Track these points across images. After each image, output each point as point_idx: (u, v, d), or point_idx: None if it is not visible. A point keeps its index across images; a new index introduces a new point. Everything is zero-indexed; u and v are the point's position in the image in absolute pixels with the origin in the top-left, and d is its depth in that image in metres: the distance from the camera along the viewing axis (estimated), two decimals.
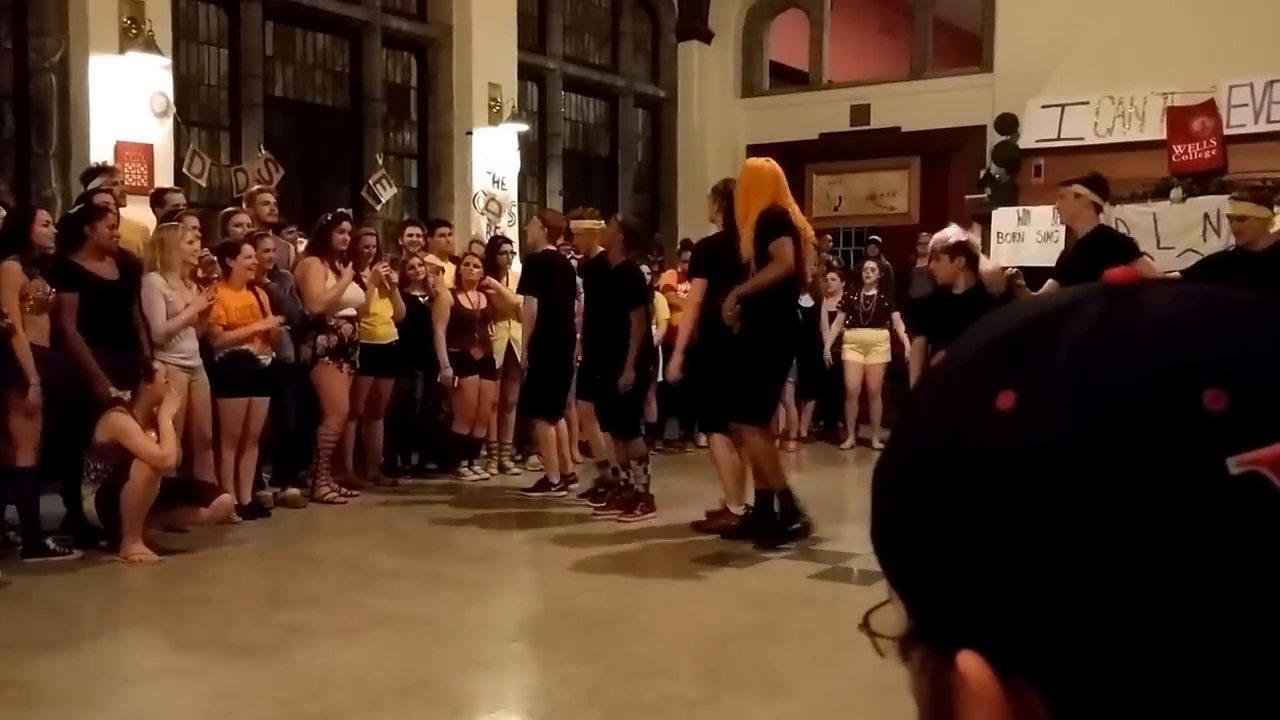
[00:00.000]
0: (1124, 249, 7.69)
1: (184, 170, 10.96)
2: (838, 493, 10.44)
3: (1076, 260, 7.87)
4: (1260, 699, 0.55)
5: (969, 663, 0.60)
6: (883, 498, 0.67)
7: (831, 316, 13.45)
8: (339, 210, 10.36)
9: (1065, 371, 0.59)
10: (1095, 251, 7.64)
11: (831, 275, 13.72)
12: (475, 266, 11.01)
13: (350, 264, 9.85)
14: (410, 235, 11.21)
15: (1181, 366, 0.58)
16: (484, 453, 11.41)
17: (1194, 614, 0.55)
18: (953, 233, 8.37)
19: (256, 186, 10.46)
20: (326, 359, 9.71)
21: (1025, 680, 0.59)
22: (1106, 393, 0.58)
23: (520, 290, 10.48)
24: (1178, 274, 8.92)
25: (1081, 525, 0.57)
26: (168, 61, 10.97)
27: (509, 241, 12.24)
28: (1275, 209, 9.06)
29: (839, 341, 13.35)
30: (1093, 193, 8.05)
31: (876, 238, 15.15)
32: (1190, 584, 0.55)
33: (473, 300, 10.84)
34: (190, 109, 11.95)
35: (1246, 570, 0.55)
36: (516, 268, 11.59)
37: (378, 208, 12.59)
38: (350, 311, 9.84)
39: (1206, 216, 12.09)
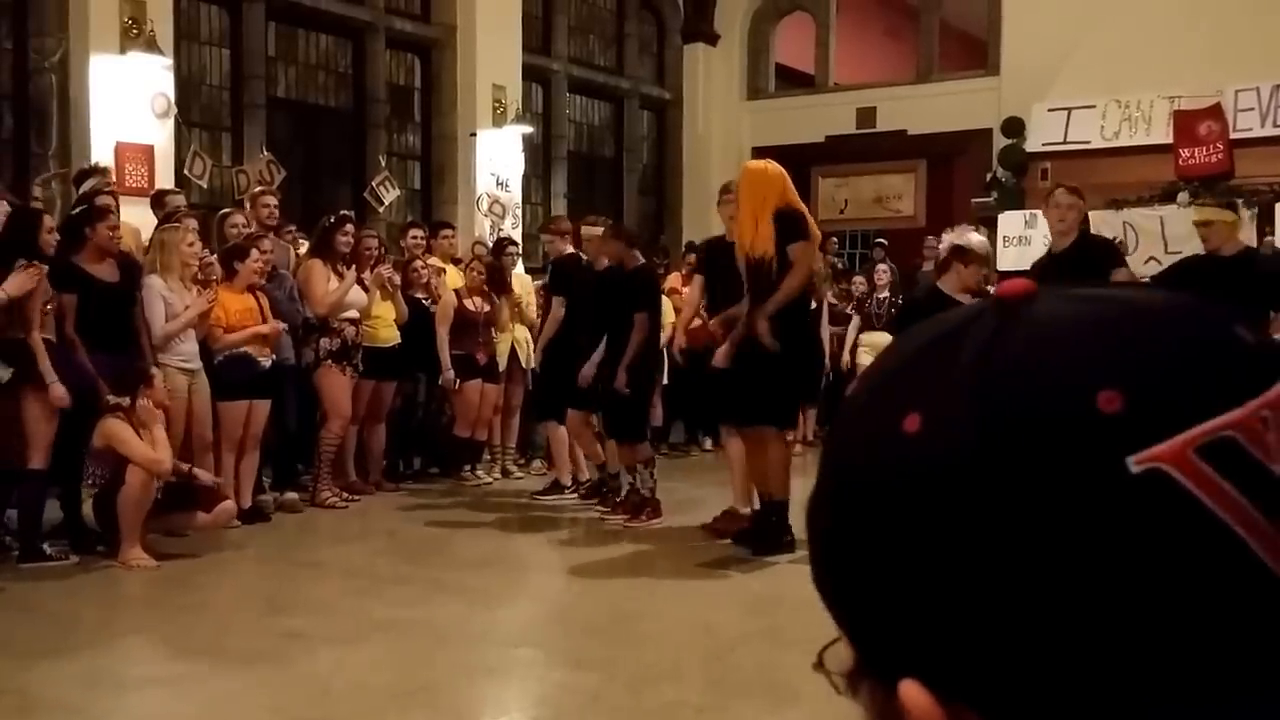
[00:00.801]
0: (1110, 255, 7.67)
1: (185, 171, 10.93)
2: None
3: (1067, 267, 7.69)
4: (1183, 701, 0.55)
5: (910, 692, 0.60)
6: (812, 527, 0.67)
7: (846, 319, 13.37)
8: (342, 212, 10.30)
9: (961, 390, 0.59)
10: (1084, 258, 7.58)
11: (858, 279, 13.67)
12: (479, 274, 10.91)
13: (352, 266, 9.77)
14: (413, 238, 11.14)
15: (1074, 372, 0.58)
16: (487, 457, 11.34)
17: (1109, 619, 0.55)
18: (975, 240, 8.19)
19: (259, 188, 10.41)
20: (329, 362, 9.64)
21: (965, 705, 0.59)
22: (1003, 406, 0.58)
23: (550, 292, 10.45)
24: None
25: (993, 540, 0.57)
26: (169, 62, 10.93)
27: (515, 244, 12.19)
28: (1242, 214, 9.04)
29: (854, 346, 13.28)
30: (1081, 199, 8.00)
31: (882, 240, 15.11)
32: (1102, 588, 0.55)
33: (476, 303, 10.76)
34: (191, 110, 11.90)
35: (1156, 569, 0.55)
36: (520, 269, 11.53)
37: (380, 210, 12.56)
38: (353, 314, 9.77)
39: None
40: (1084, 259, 7.55)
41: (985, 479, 0.57)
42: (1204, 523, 0.55)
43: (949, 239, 8.10)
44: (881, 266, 13.57)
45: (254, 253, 8.98)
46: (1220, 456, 0.56)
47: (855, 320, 13.35)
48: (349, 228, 9.95)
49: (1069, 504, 0.56)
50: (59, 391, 7.48)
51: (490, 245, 12.20)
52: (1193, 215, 8.75)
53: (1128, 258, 11.34)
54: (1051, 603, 0.56)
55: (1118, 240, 9.66)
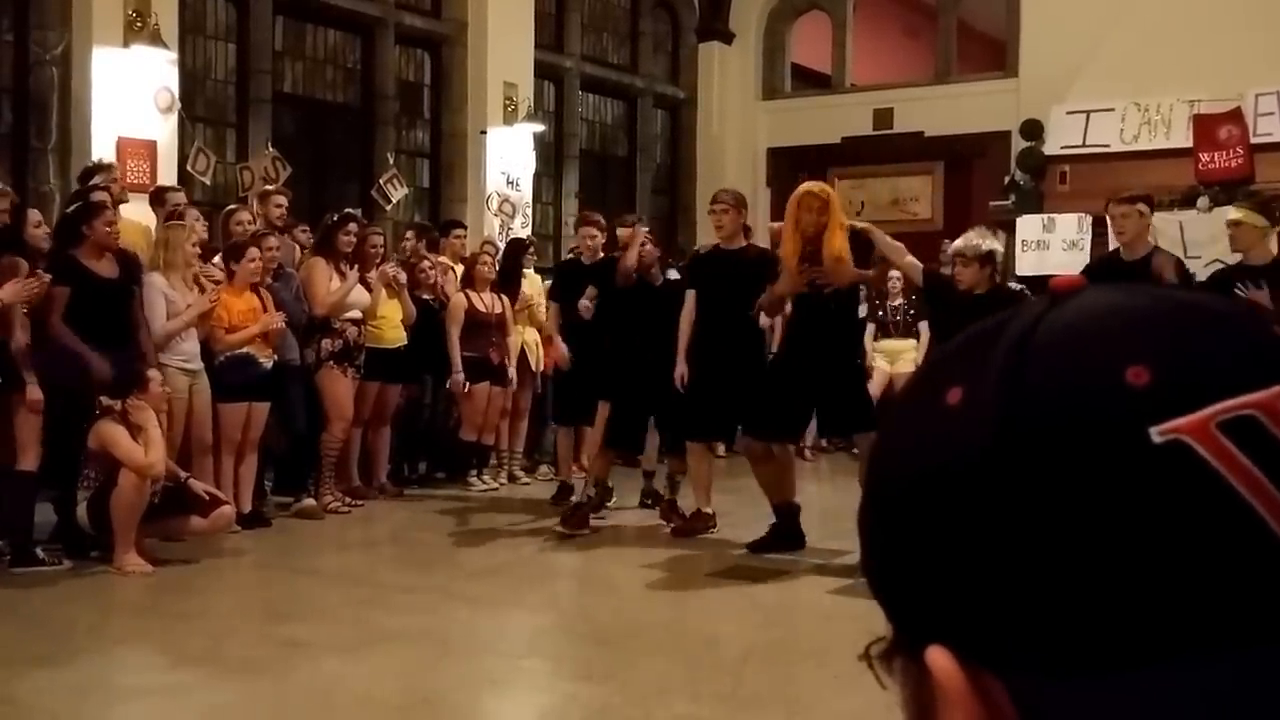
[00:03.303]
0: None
1: (188, 168, 10.83)
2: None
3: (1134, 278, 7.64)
4: (1199, 664, 0.57)
5: (935, 657, 0.62)
6: (863, 504, 0.69)
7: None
8: (346, 210, 10.20)
9: (1002, 362, 0.62)
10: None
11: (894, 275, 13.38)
12: (489, 267, 10.78)
13: (355, 266, 9.65)
14: (406, 239, 11.01)
15: (1107, 347, 0.61)
16: (493, 462, 11.24)
17: (1124, 579, 0.57)
18: (978, 237, 8.07)
19: (269, 187, 10.35)
20: (331, 363, 9.54)
21: (987, 669, 0.61)
22: (1037, 376, 0.61)
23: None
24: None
25: (1018, 504, 0.59)
26: (173, 56, 10.81)
27: (533, 242, 12.07)
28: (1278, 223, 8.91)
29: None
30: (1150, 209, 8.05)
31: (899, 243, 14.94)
32: (1118, 551, 0.57)
33: (487, 303, 10.62)
34: (196, 105, 11.78)
35: (1172, 535, 0.57)
36: (530, 270, 11.45)
37: (388, 208, 12.47)
38: (356, 314, 9.66)
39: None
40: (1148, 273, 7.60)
41: (1013, 444, 0.60)
42: (1221, 494, 0.57)
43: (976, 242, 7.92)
44: (894, 273, 13.34)
45: (251, 251, 8.86)
46: (1241, 433, 0.58)
47: (869, 328, 13.14)
48: (352, 226, 9.84)
49: (1092, 471, 0.58)
50: (35, 394, 7.40)
51: (500, 245, 12.07)
52: (1231, 213, 8.59)
53: None
54: (1071, 565, 0.58)
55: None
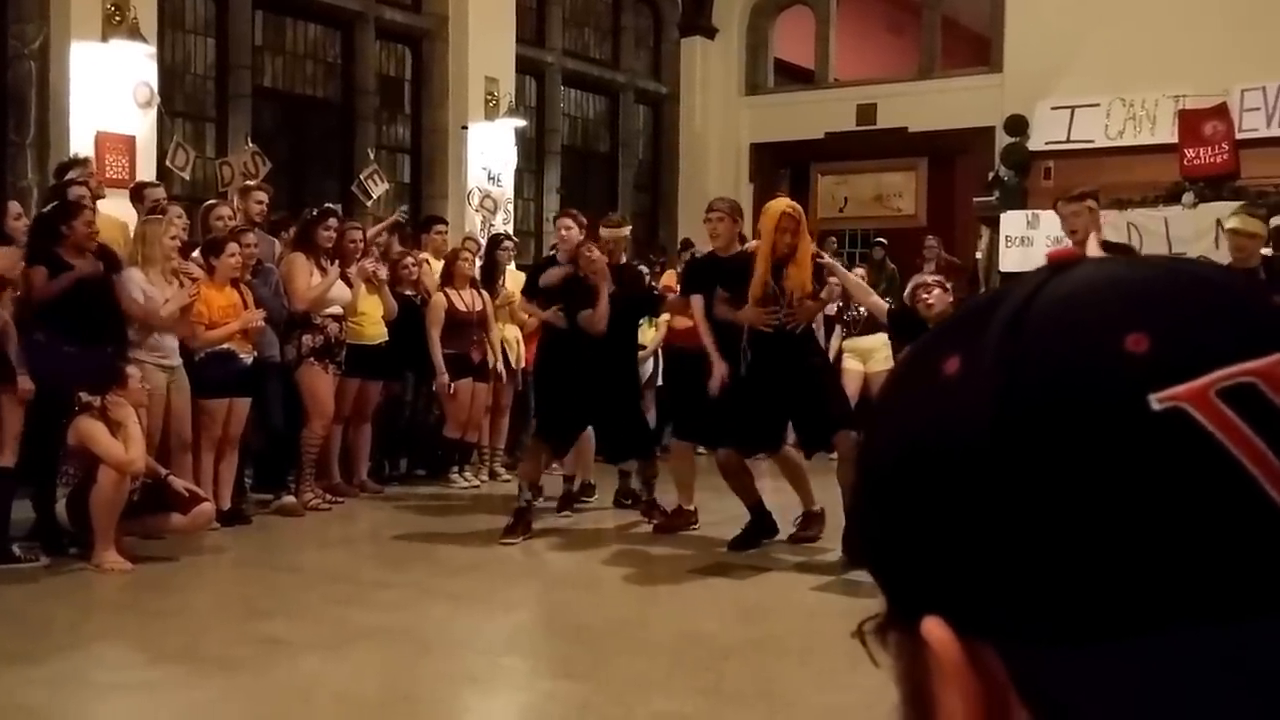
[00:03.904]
0: None
1: (167, 163, 10.76)
2: (838, 504, 10.25)
3: None
4: (1197, 633, 0.57)
5: (931, 628, 0.62)
6: (859, 478, 0.69)
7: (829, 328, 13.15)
8: (325, 206, 10.18)
9: (1000, 332, 0.62)
10: None
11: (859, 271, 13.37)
12: (469, 264, 10.72)
13: (336, 261, 9.60)
14: (381, 238, 10.88)
15: (1106, 315, 0.61)
16: (475, 459, 11.19)
17: (1123, 549, 0.57)
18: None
19: (250, 183, 10.29)
20: (311, 359, 9.49)
21: (983, 640, 0.61)
22: (1036, 343, 0.61)
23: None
24: None
25: (1017, 473, 0.59)
26: (152, 50, 10.73)
27: (511, 239, 11.99)
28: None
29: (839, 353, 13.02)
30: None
31: (882, 240, 14.98)
32: (1118, 519, 0.57)
33: (468, 300, 10.56)
34: (175, 99, 11.74)
35: (1169, 502, 0.57)
36: (512, 266, 11.40)
37: (368, 203, 12.39)
38: (336, 310, 9.61)
39: (1219, 222, 11.94)
40: None
41: (1014, 416, 0.59)
42: (1220, 462, 0.57)
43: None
44: (860, 270, 13.27)
45: (230, 246, 8.81)
46: (1240, 400, 0.58)
47: (837, 329, 13.08)
48: (332, 221, 9.79)
49: (1092, 439, 0.58)
50: (27, 385, 7.37)
51: (481, 241, 12.02)
52: (1235, 223, 8.60)
53: None
54: (1071, 533, 0.58)
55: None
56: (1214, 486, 0.57)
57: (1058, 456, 0.59)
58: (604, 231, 9.41)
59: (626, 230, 9.71)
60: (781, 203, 8.33)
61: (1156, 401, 0.58)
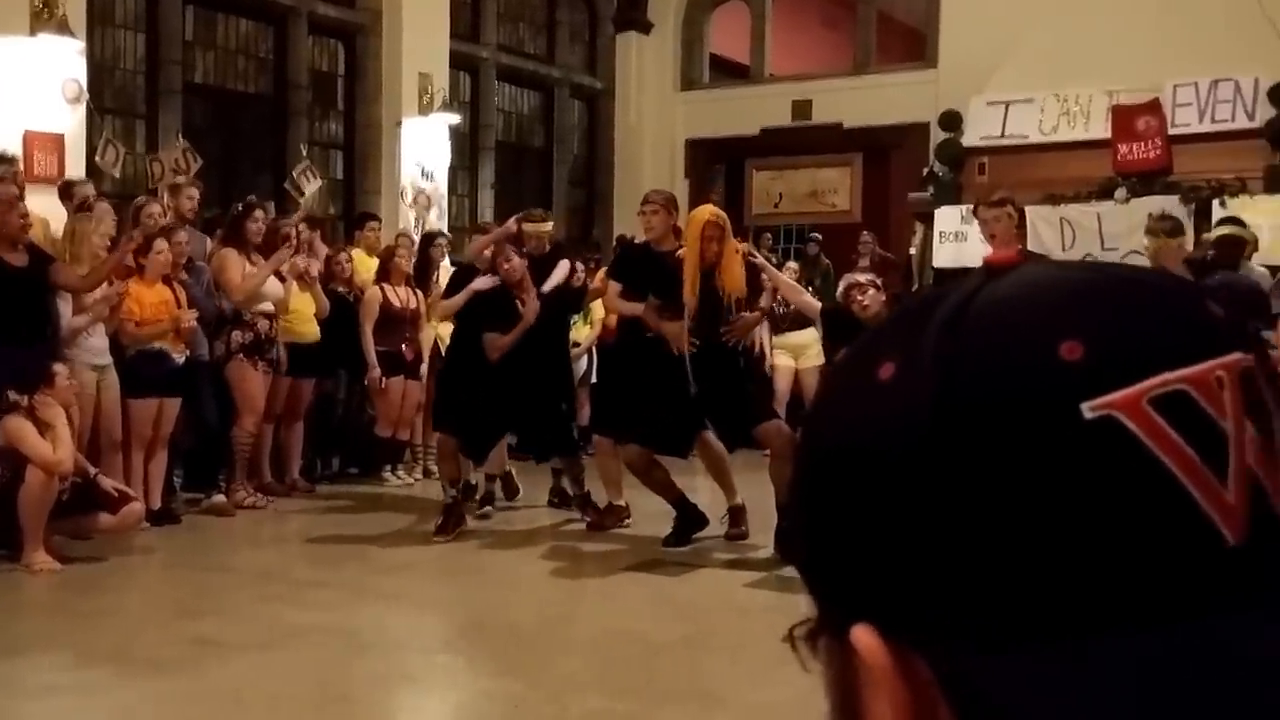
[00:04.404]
0: None
1: (96, 160, 10.60)
2: (768, 501, 10.26)
3: None
4: (1125, 639, 0.57)
5: (861, 635, 0.62)
6: (792, 479, 0.69)
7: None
8: (248, 199, 10.09)
9: (936, 338, 0.62)
10: None
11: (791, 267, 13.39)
12: (405, 260, 10.68)
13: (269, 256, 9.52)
14: (302, 234, 10.76)
15: (1042, 321, 0.61)
16: (408, 457, 11.16)
17: (1054, 555, 0.58)
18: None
19: (181, 179, 10.20)
20: (241, 356, 9.42)
21: (913, 647, 0.61)
22: (971, 349, 0.61)
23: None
24: None
25: (950, 480, 0.59)
26: (81, 45, 10.56)
27: (444, 236, 11.96)
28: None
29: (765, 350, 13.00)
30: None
31: (817, 235, 15.00)
32: (1049, 525, 0.58)
33: (402, 297, 10.52)
34: (104, 95, 11.60)
35: (1100, 509, 0.58)
36: (447, 262, 11.34)
37: (302, 200, 12.29)
38: (268, 307, 9.54)
39: (1151, 216, 12.06)
40: None
41: (948, 423, 0.60)
42: (1151, 470, 0.58)
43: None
44: (791, 265, 13.30)
45: (157, 243, 8.74)
46: (1173, 408, 0.59)
47: (764, 324, 13.02)
48: (258, 214, 9.74)
49: (1025, 447, 0.58)
50: None
51: (415, 238, 11.96)
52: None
53: (1065, 254, 11.35)
54: (1002, 540, 0.58)
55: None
56: (1144, 494, 0.58)
57: (991, 463, 0.59)
58: (526, 227, 9.34)
59: (549, 225, 9.66)
60: (705, 211, 8.35)
61: (1089, 410, 0.58)
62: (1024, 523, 0.58)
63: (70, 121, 10.47)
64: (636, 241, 9.32)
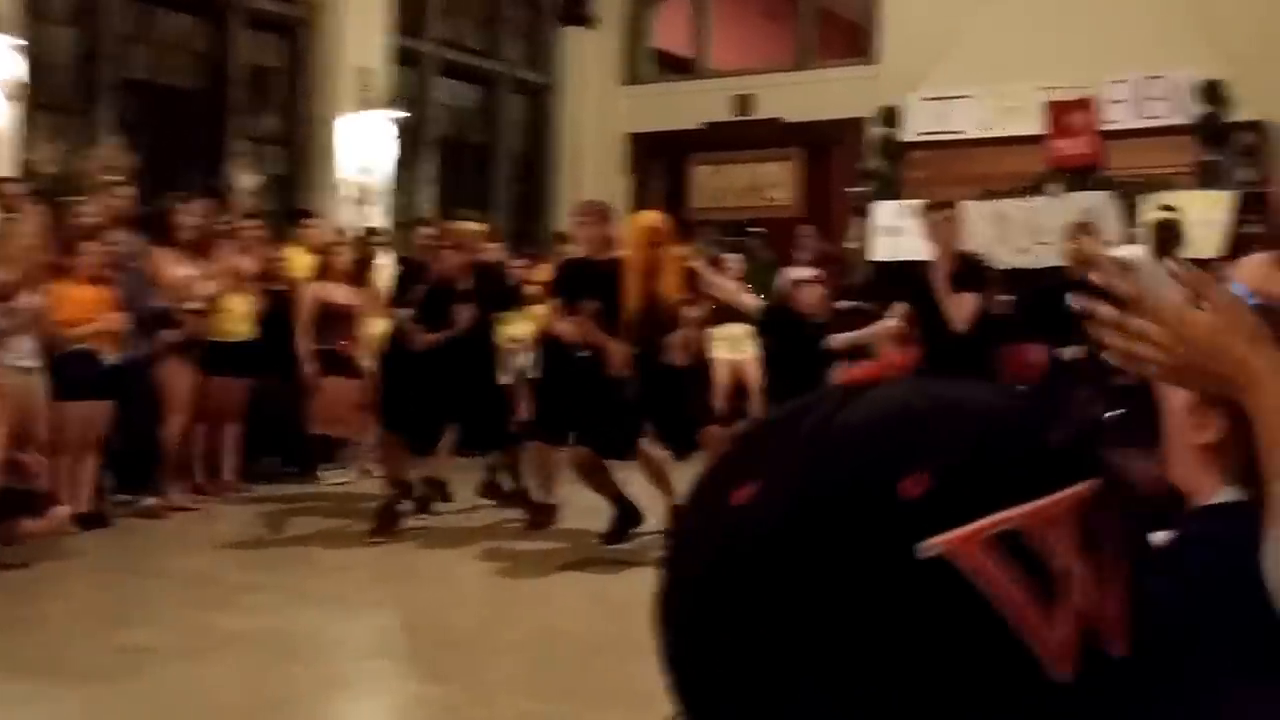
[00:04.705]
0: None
1: (29, 157, 10.45)
2: None
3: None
4: None
5: None
6: (655, 605, 0.72)
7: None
8: (180, 195, 10.03)
9: (794, 469, 0.64)
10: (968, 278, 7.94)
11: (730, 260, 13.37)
12: (345, 258, 10.62)
13: (205, 254, 9.47)
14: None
15: (886, 456, 0.63)
16: (345, 456, 11.10)
17: (888, 690, 0.60)
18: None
19: (114, 177, 10.08)
20: (169, 355, 9.34)
21: None
22: (821, 482, 0.63)
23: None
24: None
25: (794, 610, 0.62)
26: (16, 41, 10.46)
27: (383, 232, 11.90)
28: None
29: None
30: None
31: (759, 229, 15.00)
32: (878, 660, 0.60)
33: (341, 295, 10.46)
34: (39, 92, 11.38)
35: (929, 643, 0.60)
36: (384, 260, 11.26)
37: (239, 196, 12.18)
38: (197, 305, 9.45)
39: (1086, 212, 12.21)
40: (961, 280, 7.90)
41: (794, 555, 0.62)
42: (980, 609, 0.60)
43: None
44: (729, 256, 13.27)
45: (88, 244, 8.66)
46: (1004, 546, 0.61)
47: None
48: (194, 209, 9.70)
49: (862, 582, 0.61)
50: None
51: (355, 234, 11.90)
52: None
53: (1000, 247, 11.47)
54: (839, 670, 0.60)
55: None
56: (972, 632, 0.60)
57: (834, 597, 0.61)
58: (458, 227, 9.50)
59: (482, 228, 9.70)
60: (647, 217, 8.44)
61: (923, 550, 0.61)
62: (858, 656, 0.61)
63: (3, 118, 10.37)
64: (571, 258, 9.34)
